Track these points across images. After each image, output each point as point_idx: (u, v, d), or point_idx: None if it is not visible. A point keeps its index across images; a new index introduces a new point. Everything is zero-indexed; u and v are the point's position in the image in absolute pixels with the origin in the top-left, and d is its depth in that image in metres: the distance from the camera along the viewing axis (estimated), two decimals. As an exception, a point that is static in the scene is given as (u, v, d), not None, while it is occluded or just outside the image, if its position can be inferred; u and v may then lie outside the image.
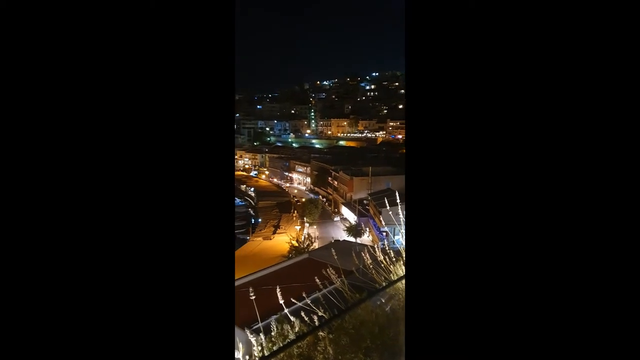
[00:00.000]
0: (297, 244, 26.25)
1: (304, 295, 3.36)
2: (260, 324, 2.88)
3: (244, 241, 34.21)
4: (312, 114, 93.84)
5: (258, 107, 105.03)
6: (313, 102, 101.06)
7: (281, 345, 2.66)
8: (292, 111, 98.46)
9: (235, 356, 2.71)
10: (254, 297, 2.74)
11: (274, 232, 35.08)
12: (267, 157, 66.82)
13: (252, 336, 2.64)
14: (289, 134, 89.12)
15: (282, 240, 30.57)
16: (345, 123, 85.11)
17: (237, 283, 13.03)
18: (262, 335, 2.73)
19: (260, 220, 39.71)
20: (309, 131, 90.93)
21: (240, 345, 2.73)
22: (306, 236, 29.66)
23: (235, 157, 75.14)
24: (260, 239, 33.92)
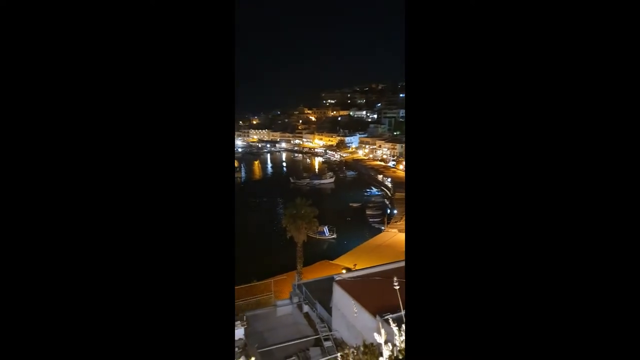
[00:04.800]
0: (433, 240, 24.92)
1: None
2: (402, 314, 2.83)
3: (379, 231, 34.59)
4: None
5: (401, 95, 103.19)
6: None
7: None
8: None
9: (377, 341, 2.75)
10: (398, 287, 2.69)
11: (409, 225, 34.22)
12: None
13: (394, 326, 2.62)
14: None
15: (418, 234, 29.57)
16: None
17: (369, 271, 13.23)
18: (404, 327, 2.68)
19: (395, 211, 39.40)
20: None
21: (383, 332, 2.74)
22: (444, 233, 27.86)
23: (374, 146, 76.03)
24: (395, 230, 33.70)
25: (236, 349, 11.11)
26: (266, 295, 16.63)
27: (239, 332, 11.72)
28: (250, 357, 9.65)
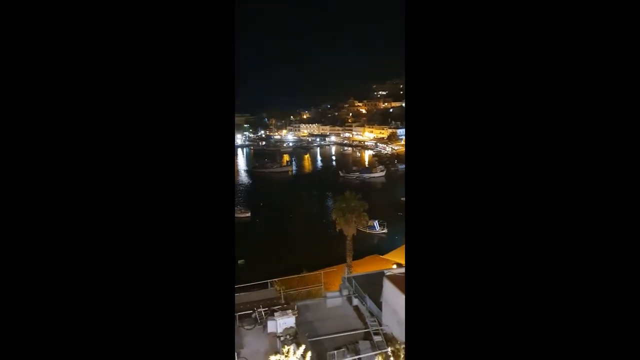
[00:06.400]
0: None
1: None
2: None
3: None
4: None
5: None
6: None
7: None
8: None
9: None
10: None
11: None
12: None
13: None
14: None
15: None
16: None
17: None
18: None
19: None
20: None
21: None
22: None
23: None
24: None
25: (287, 337, 11.44)
26: (316, 286, 16.89)
27: (290, 321, 12.06)
28: (301, 345, 9.89)
